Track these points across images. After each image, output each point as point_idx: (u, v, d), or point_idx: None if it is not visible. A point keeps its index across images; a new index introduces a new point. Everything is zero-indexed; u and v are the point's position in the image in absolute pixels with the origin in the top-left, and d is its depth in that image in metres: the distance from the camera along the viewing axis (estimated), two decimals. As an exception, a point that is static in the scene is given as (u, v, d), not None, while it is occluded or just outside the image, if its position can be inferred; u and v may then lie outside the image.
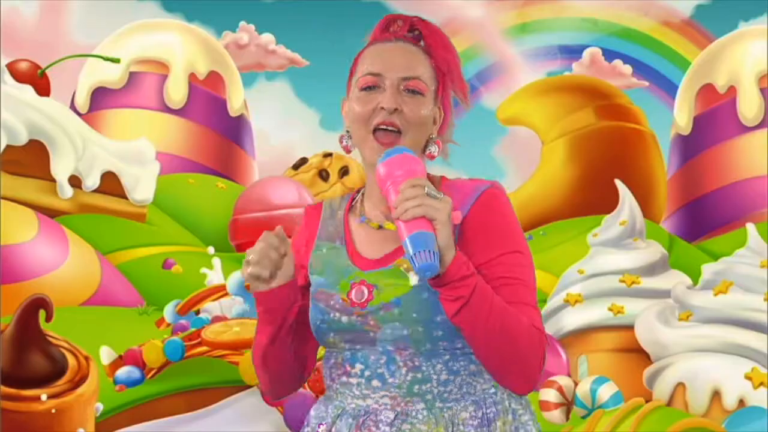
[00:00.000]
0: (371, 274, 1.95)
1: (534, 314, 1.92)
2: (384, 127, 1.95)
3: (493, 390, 1.96)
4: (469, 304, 1.84)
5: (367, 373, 1.94)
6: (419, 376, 1.92)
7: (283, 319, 1.97)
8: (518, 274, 1.93)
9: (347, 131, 2.02)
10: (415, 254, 1.79)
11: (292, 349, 2.01)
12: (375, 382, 1.93)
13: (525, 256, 1.97)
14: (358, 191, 2.08)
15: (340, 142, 2.02)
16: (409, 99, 1.97)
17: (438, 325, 1.90)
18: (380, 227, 2.00)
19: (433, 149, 2.01)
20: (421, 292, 1.91)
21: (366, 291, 1.94)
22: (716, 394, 5.28)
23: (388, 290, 1.93)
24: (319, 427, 1.97)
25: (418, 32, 2.03)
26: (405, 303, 1.91)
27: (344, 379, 1.97)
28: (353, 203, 2.07)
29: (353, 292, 1.95)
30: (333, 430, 1.95)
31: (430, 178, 2.00)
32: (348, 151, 2.02)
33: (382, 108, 1.95)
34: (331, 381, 1.99)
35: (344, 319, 1.95)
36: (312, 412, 2.02)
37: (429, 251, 1.79)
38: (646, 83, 12.14)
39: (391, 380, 1.92)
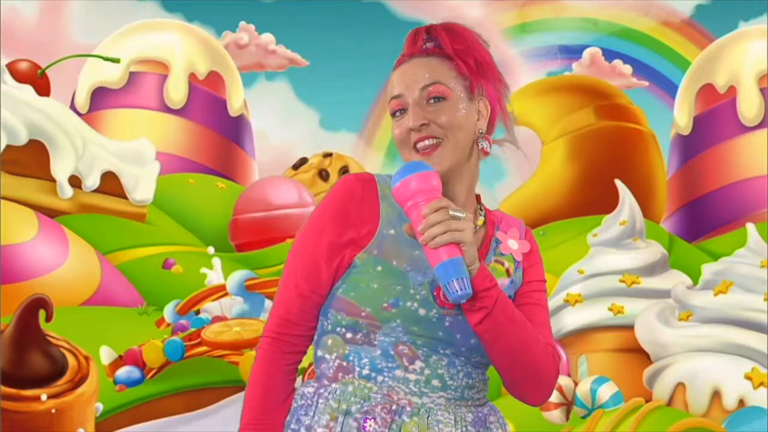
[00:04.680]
0: None
1: (549, 335, 2.02)
2: (422, 144, 1.97)
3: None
4: (491, 315, 1.89)
5: (427, 372, 1.94)
6: (470, 382, 1.98)
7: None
8: (544, 299, 2.06)
9: None
10: (448, 283, 1.84)
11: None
12: (435, 382, 1.94)
13: (546, 287, 2.11)
14: None
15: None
16: (436, 107, 1.98)
17: None
18: None
19: (484, 144, 2.04)
20: None
21: None
22: (716, 394, 5.28)
23: None
24: (365, 421, 1.92)
25: (436, 38, 2.06)
26: None
27: (398, 373, 1.93)
28: None
29: (441, 291, 1.92)
30: (394, 426, 1.92)
31: (477, 199, 2.07)
32: None
33: (411, 129, 1.97)
34: (373, 372, 1.94)
35: (422, 311, 1.93)
36: (331, 403, 1.94)
37: (461, 279, 1.84)
38: (646, 83, 12.14)
39: (450, 383, 1.95)
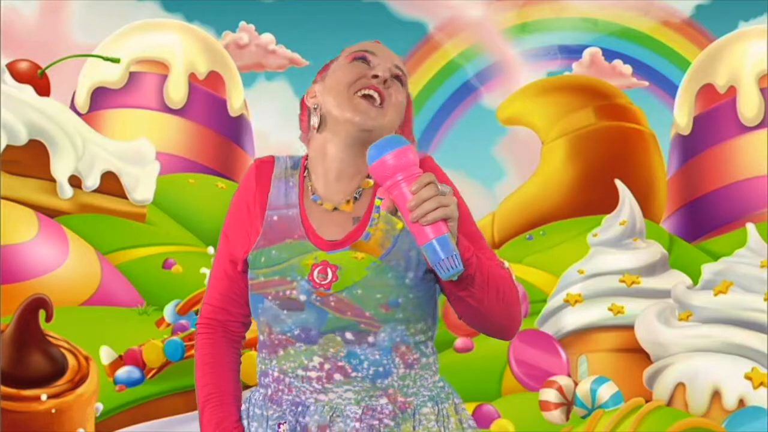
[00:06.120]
0: (333, 255, 1.90)
1: (503, 265, 1.96)
2: (369, 92, 1.95)
3: (441, 383, 1.99)
4: (474, 283, 1.85)
5: (327, 366, 1.88)
6: (380, 369, 1.90)
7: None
8: (476, 230, 1.98)
9: (315, 107, 2.00)
10: (439, 262, 1.78)
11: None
12: (337, 377, 1.88)
13: (469, 210, 2.02)
14: (308, 157, 2.04)
15: (301, 123, 2.02)
16: (395, 84, 1.99)
17: (399, 306, 1.89)
18: (335, 209, 1.97)
19: None
20: (384, 272, 1.89)
21: (330, 272, 1.89)
22: (716, 394, 5.28)
23: (350, 271, 1.89)
24: (279, 426, 1.90)
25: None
26: (369, 284, 1.88)
27: (300, 372, 1.89)
28: (305, 175, 2.01)
29: (316, 272, 1.89)
30: (297, 428, 1.89)
31: None
32: (306, 131, 2.01)
33: (375, 76, 1.95)
34: (281, 374, 1.92)
35: (302, 297, 1.89)
36: (256, 411, 1.94)
37: (451, 257, 1.78)
38: (646, 83, 12.14)
39: (354, 374, 1.88)
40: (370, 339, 1.89)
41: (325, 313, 1.88)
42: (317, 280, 1.89)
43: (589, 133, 9.78)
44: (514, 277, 1.97)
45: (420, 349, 1.94)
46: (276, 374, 1.93)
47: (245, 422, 1.96)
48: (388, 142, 1.81)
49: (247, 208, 1.99)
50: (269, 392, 1.94)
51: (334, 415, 1.88)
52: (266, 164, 2.02)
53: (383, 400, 1.90)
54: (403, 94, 2.00)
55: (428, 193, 1.77)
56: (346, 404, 1.89)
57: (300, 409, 1.90)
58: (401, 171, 1.79)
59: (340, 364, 1.88)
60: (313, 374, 1.89)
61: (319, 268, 1.90)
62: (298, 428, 1.89)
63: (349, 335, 1.88)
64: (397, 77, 1.99)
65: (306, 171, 2.01)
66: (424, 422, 1.92)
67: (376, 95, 1.94)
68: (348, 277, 1.89)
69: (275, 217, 1.95)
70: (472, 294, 1.86)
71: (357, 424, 1.88)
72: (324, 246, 1.92)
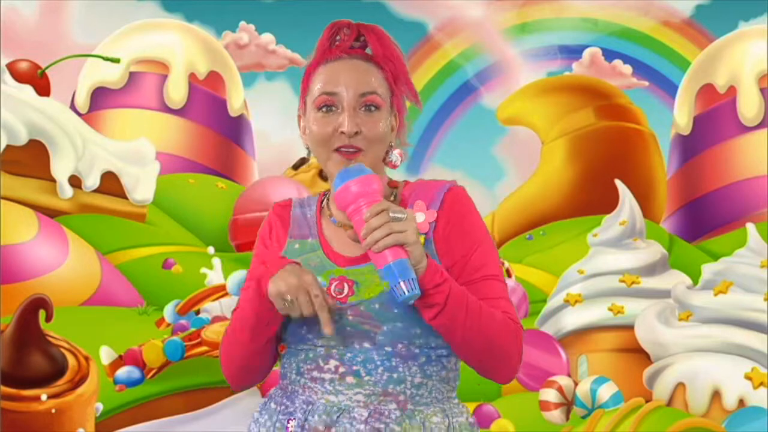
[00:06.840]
0: (350, 270, 1.95)
1: (509, 307, 1.96)
2: (345, 149, 1.97)
3: (456, 399, 2.02)
4: (444, 310, 1.87)
5: (341, 369, 1.94)
6: (395, 376, 1.93)
7: (272, 332, 1.98)
8: (491, 268, 1.98)
9: (307, 148, 2.06)
10: (395, 286, 1.83)
11: (269, 349, 2.02)
12: (350, 379, 1.93)
13: (493, 248, 2.03)
14: (326, 192, 2.11)
15: (305, 161, 2.10)
16: (367, 117, 1.97)
17: (417, 322, 1.92)
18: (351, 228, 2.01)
19: (395, 158, 2.03)
20: None
21: (347, 286, 1.94)
22: (716, 394, 5.28)
23: (368, 286, 1.93)
24: (288, 422, 1.96)
25: (363, 39, 2.06)
26: (386, 299, 1.92)
27: (315, 374, 1.96)
28: (323, 205, 2.09)
29: (333, 286, 1.94)
30: (305, 426, 1.93)
31: (392, 185, 2.05)
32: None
33: (342, 132, 1.96)
34: (297, 375, 1.99)
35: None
36: (272, 405, 2.01)
37: (408, 280, 1.82)
38: (646, 83, 12.14)
39: (366, 378, 1.93)
40: (387, 349, 1.93)
41: (344, 325, 1.93)
42: (334, 294, 1.94)
43: (589, 133, 9.78)
44: (521, 332, 1.96)
45: (441, 362, 1.97)
46: (293, 376, 1.99)
47: (262, 416, 2.02)
48: (352, 171, 1.89)
49: (270, 244, 2.07)
50: (287, 392, 2.00)
51: (341, 415, 1.92)
52: (285, 208, 2.10)
53: (392, 406, 1.93)
54: (380, 118, 1.98)
55: (378, 221, 1.82)
56: (355, 406, 1.93)
57: (309, 407, 1.95)
58: (363, 197, 1.86)
59: (355, 368, 1.93)
60: (327, 376, 1.95)
61: (336, 282, 1.95)
62: (306, 426, 1.94)
63: (366, 344, 1.93)
64: (366, 105, 1.98)
65: (325, 199, 2.09)
66: (435, 430, 1.95)
67: (351, 150, 1.97)
68: (364, 293, 1.93)
69: (296, 245, 2.03)
70: (444, 325, 1.88)
71: (362, 426, 1.91)
72: (341, 262, 1.98)
